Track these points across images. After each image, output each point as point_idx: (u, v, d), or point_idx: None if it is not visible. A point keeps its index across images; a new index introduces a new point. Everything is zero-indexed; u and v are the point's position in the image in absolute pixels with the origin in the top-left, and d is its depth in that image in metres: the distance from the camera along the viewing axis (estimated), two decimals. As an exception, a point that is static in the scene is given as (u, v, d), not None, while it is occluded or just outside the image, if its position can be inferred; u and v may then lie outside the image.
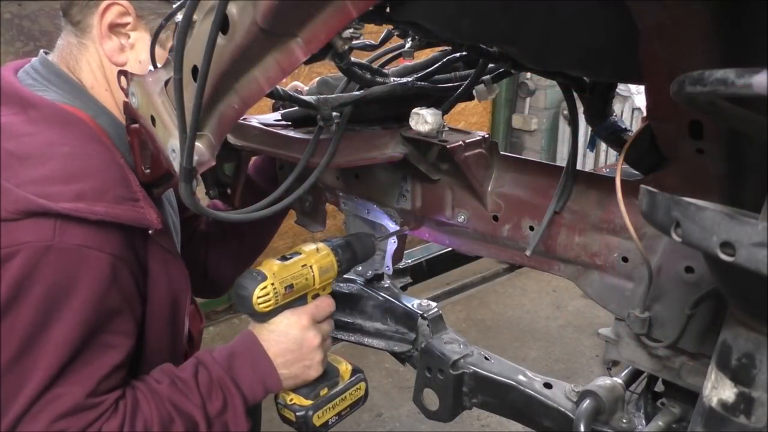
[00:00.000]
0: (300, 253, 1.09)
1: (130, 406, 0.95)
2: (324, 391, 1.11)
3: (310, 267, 1.07)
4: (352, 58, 0.95)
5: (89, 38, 1.06)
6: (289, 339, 1.05)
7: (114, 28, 1.04)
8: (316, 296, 1.11)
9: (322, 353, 1.09)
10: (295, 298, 1.07)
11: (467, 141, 1.07)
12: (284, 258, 1.07)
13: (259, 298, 1.01)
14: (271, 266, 1.03)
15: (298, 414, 1.08)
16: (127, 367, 1.00)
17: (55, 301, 0.89)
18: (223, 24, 0.69)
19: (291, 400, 1.09)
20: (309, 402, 1.09)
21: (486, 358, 1.23)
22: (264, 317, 1.05)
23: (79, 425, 0.91)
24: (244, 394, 1.03)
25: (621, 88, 3.71)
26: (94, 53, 1.07)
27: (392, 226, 1.30)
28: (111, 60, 1.05)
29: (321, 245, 1.12)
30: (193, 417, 0.98)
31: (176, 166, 0.84)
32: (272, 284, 1.01)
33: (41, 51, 1.12)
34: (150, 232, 0.99)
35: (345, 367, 1.17)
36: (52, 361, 0.89)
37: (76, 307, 0.90)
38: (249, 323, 1.10)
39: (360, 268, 1.43)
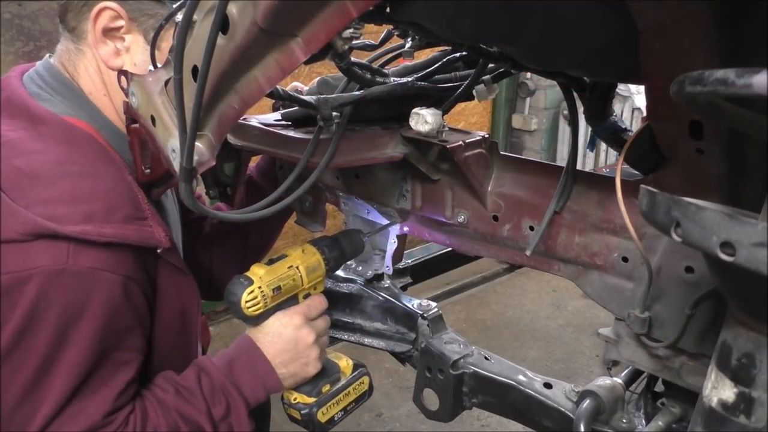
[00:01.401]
0: (286, 255, 1.11)
1: (140, 418, 0.97)
2: (326, 388, 1.13)
3: (297, 268, 1.10)
4: (352, 58, 0.95)
5: (86, 44, 1.06)
6: (284, 339, 1.07)
7: (108, 32, 1.04)
8: (307, 295, 1.13)
9: (318, 350, 1.11)
10: (284, 299, 1.09)
11: (467, 141, 1.07)
12: (271, 261, 1.09)
13: (247, 302, 1.03)
14: (257, 271, 1.06)
15: (302, 412, 1.10)
16: (138, 380, 1.02)
17: (69, 323, 0.90)
18: (223, 24, 0.69)
19: (295, 399, 1.12)
20: (312, 399, 1.11)
21: (486, 358, 1.23)
22: (256, 320, 1.08)
23: None
24: (246, 398, 1.05)
25: (621, 88, 3.71)
26: (92, 59, 1.07)
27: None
28: (107, 64, 1.05)
29: (307, 246, 1.14)
30: (199, 423, 1.00)
31: (176, 166, 0.84)
32: (259, 287, 1.04)
33: (47, 55, 1.12)
34: (158, 251, 1.01)
35: (346, 363, 1.18)
36: (67, 381, 0.91)
37: (89, 328, 0.92)
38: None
39: (360, 268, 1.43)
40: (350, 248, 1.19)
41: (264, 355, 1.07)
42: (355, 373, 1.18)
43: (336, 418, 1.13)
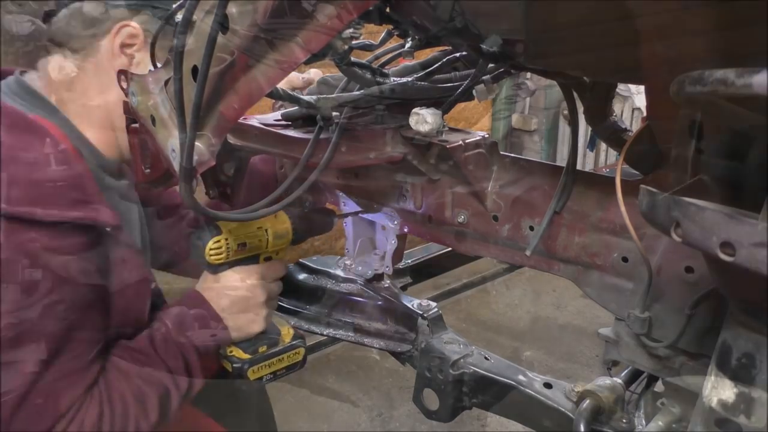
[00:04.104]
0: None
1: (104, 389, 1.01)
2: (263, 349, 1.18)
3: (265, 230, 1.14)
4: (352, 58, 0.95)
5: (90, 61, 1.12)
6: (237, 292, 1.14)
7: (123, 48, 1.11)
8: (268, 258, 1.17)
9: (266, 310, 1.17)
10: (246, 256, 1.13)
11: (467, 141, 1.07)
12: None
13: (211, 249, 1.08)
14: (227, 223, 1.10)
15: (235, 365, 1.15)
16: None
17: (33, 292, 0.93)
18: (223, 24, 0.69)
19: (230, 352, 1.16)
20: (247, 356, 1.16)
21: (486, 358, 1.23)
22: (215, 269, 1.13)
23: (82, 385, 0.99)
24: (197, 348, 1.11)
25: (621, 88, 3.71)
26: (94, 75, 1.12)
27: (392, 226, 1.30)
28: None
29: (280, 212, 1.17)
30: (161, 381, 1.06)
31: (176, 165, 0.85)
32: (225, 239, 1.08)
33: (16, 71, 1.17)
34: (108, 229, 1.04)
35: (287, 331, 1.23)
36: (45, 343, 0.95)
37: (54, 296, 0.95)
38: None
39: (360, 268, 1.43)
40: (319, 225, 1.24)
41: (212, 307, 1.12)
42: (294, 342, 1.22)
43: (265, 379, 1.18)
